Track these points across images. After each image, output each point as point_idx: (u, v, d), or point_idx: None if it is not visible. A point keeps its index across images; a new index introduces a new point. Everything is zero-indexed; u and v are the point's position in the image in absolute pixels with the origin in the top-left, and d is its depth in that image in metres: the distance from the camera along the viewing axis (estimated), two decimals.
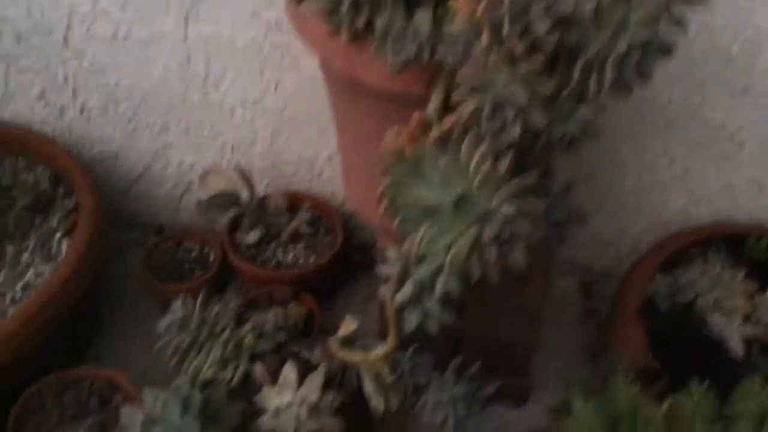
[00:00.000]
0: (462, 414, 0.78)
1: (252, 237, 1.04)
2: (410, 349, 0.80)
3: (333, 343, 0.81)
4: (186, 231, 1.11)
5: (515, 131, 0.51)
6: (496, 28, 0.50)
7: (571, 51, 0.51)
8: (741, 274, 0.92)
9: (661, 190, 1.02)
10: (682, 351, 0.86)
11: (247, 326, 0.84)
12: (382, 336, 0.78)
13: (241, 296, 0.96)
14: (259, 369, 0.81)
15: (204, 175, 1.02)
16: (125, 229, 1.15)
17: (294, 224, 1.04)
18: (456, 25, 0.52)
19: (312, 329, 0.95)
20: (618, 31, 0.50)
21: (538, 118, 0.51)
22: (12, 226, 0.97)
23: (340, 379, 0.82)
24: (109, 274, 1.09)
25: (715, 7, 0.82)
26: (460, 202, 0.52)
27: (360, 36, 0.60)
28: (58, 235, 0.96)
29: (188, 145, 1.06)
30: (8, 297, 0.90)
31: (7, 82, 1.03)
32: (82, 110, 1.05)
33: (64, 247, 0.95)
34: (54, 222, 0.98)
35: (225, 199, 1.01)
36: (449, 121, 0.54)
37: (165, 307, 0.82)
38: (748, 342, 0.86)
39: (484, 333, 0.88)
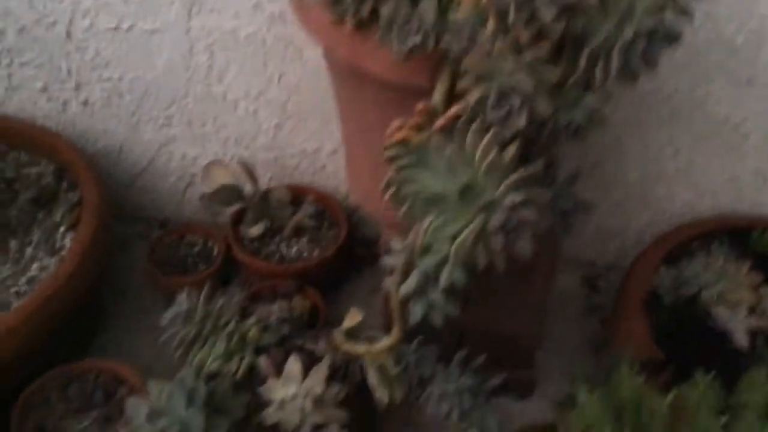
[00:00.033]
0: (467, 406, 0.78)
1: (255, 230, 1.04)
2: (415, 341, 0.80)
3: (337, 335, 0.81)
4: (189, 225, 1.11)
5: (521, 119, 0.51)
6: (501, 16, 0.50)
7: (577, 39, 0.50)
8: (745, 266, 0.91)
9: (666, 183, 1.02)
10: (687, 343, 0.86)
11: (252, 319, 0.84)
12: (387, 329, 0.78)
13: (245, 290, 0.96)
14: (263, 361, 0.81)
15: (207, 169, 1.02)
16: (129, 222, 1.15)
17: (297, 218, 1.04)
18: (461, 12, 0.52)
19: (316, 322, 0.95)
20: (624, 19, 0.50)
21: (544, 106, 0.51)
22: (16, 220, 0.97)
23: (345, 372, 0.82)
24: (113, 267, 1.09)
25: None
26: (466, 191, 0.52)
27: (364, 24, 0.59)
28: (62, 228, 0.96)
29: (191, 138, 1.06)
30: (13, 291, 0.90)
31: (10, 76, 1.03)
32: (85, 104, 1.04)
33: (68, 240, 0.95)
34: (58, 216, 0.98)
35: (228, 193, 1.01)
36: (455, 109, 0.54)
37: (169, 300, 0.82)
38: (753, 334, 0.86)
39: (488, 326, 0.88)
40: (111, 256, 1.06)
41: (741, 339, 0.86)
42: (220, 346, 0.80)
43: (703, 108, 0.93)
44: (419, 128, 0.56)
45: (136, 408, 0.73)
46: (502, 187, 0.51)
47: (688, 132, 0.96)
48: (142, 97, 1.03)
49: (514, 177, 0.52)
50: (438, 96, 0.56)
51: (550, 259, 0.81)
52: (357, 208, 1.11)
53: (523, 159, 0.55)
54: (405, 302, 0.69)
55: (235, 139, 1.06)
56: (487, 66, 0.51)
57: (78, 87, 1.03)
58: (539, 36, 0.50)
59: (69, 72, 1.02)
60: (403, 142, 0.56)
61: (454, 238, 0.55)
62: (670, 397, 0.70)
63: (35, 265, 0.93)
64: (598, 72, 0.51)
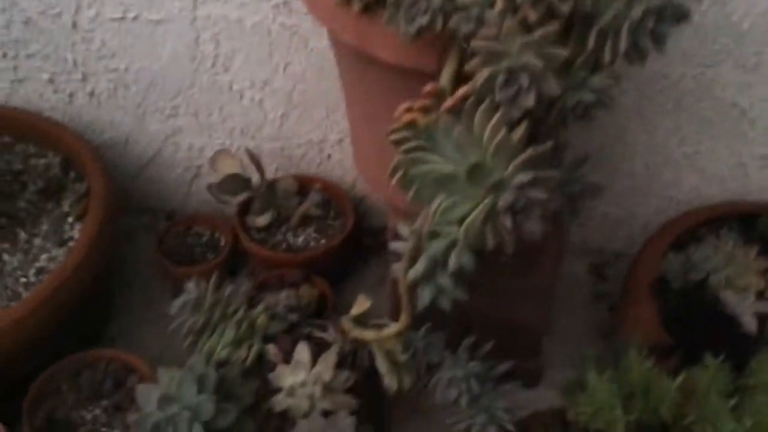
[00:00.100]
0: (476, 391, 0.78)
1: (262, 220, 1.04)
2: (423, 328, 0.80)
3: (346, 322, 0.81)
4: (196, 215, 1.11)
5: (529, 99, 0.51)
6: None
7: (585, 18, 0.50)
8: (753, 251, 0.91)
9: (673, 169, 1.01)
10: (695, 328, 0.86)
11: (260, 307, 0.84)
12: (395, 318, 0.78)
13: (253, 279, 0.96)
14: (272, 349, 0.82)
15: (214, 159, 1.02)
16: (136, 214, 1.15)
17: (304, 207, 1.04)
18: None
19: (324, 311, 0.95)
20: None
21: (552, 86, 0.51)
22: (24, 211, 0.98)
23: (353, 359, 0.82)
24: (121, 259, 1.09)
25: None
26: (474, 172, 0.52)
27: (371, 7, 0.59)
28: (70, 219, 0.97)
29: (198, 128, 1.06)
30: (22, 281, 0.91)
31: (16, 68, 1.04)
32: (91, 95, 1.05)
33: (76, 231, 0.95)
34: (66, 207, 0.98)
35: (235, 182, 1.01)
36: (462, 90, 0.54)
37: (177, 290, 0.82)
38: (761, 318, 0.86)
39: (496, 313, 0.88)
40: (118, 248, 1.07)
41: (749, 323, 0.86)
42: (229, 334, 0.80)
43: (710, 93, 0.93)
44: (427, 110, 0.56)
45: (147, 394, 0.73)
46: (510, 167, 0.51)
47: (695, 118, 0.96)
48: (148, 87, 1.03)
49: (522, 157, 0.51)
50: (446, 77, 0.56)
51: (557, 243, 0.81)
52: (363, 198, 1.11)
53: (531, 140, 0.55)
54: (413, 287, 0.69)
55: (241, 130, 1.06)
56: (496, 46, 0.51)
57: (84, 78, 1.03)
58: (548, 15, 0.50)
59: (75, 63, 1.02)
60: (411, 125, 0.56)
61: (463, 220, 0.55)
62: (679, 380, 0.70)
63: (44, 256, 0.93)
64: (607, 51, 0.51)
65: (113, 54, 1.00)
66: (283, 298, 0.88)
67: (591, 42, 0.50)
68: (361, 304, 0.81)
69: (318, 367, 0.79)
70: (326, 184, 1.08)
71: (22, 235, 0.96)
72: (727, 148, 0.98)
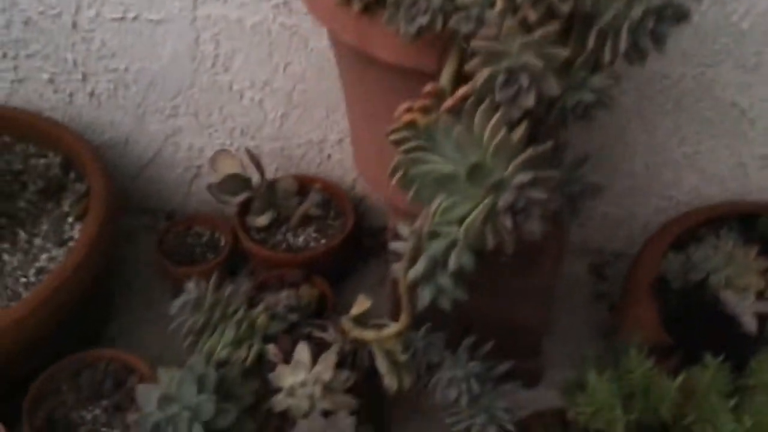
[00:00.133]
0: (476, 391, 0.78)
1: (262, 220, 1.04)
2: (423, 328, 0.80)
3: (346, 321, 0.81)
4: (196, 215, 1.11)
5: (529, 99, 0.51)
6: None
7: (585, 18, 0.50)
8: (753, 251, 0.91)
9: (673, 169, 1.01)
10: (695, 328, 0.86)
11: (260, 307, 0.84)
12: (394, 318, 0.78)
13: (253, 279, 0.96)
14: (272, 349, 0.82)
15: (214, 159, 1.02)
16: (135, 214, 1.15)
17: (304, 207, 1.04)
18: None
19: (324, 311, 0.95)
20: None
21: (552, 86, 0.51)
22: (24, 211, 0.98)
23: (353, 359, 0.82)
24: (120, 259, 1.09)
25: None
26: (474, 171, 0.52)
27: (371, 7, 0.59)
28: (70, 219, 0.97)
29: (198, 128, 1.06)
30: (22, 281, 0.91)
31: (16, 68, 1.04)
32: (91, 95, 1.05)
33: (76, 231, 0.95)
34: (66, 207, 0.98)
35: (236, 182, 1.01)
36: (462, 90, 0.54)
37: (177, 291, 0.82)
38: (761, 318, 0.86)
39: (496, 313, 0.88)
40: (118, 248, 1.07)
41: (749, 323, 0.86)
42: (229, 334, 0.80)
43: (710, 93, 0.93)
44: (427, 110, 0.56)
45: (147, 394, 0.73)
46: (510, 167, 0.51)
47: (695, 118, 0.96)
48: (148, 87, 1.03)
49: (522, 157, 0.52)
50: (446, 77, 0.56)
51: (557, 243, 0.81)
52: (363, 198, 1.11)
53: (531, 140, 0.55)
54: (413, 287, 0.69)
55: (241, 130, 1.06)
56: (496, 46, 0.51)
57: (84, 78, 1.03)
58: (548, 15, 0.50)
59: (75, 63, 1.02)
60: (411, 125, 0.56)
61: (463, 220, 0.55)
62: (679, 379, 0.70)
63: (44, 256, 0.93)
64: (607, 51, 0.51)
65: (113, 54, 1.00)
66: (283, 298, 0.88)
67: (591, 42, 0.50)
68: (361, 304, 0.81)
69: (318, 367, 0.79)
70: (326, 184, 1.08)
71: (22, 235, 0.96)
72: (727, 148, 0.98)
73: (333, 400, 0.79)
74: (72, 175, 1.01)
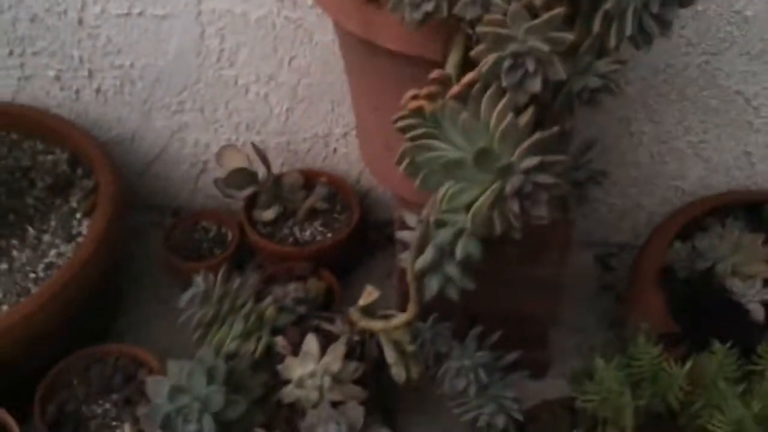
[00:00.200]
0: (484, 381, 0.78)
1: (269, 214, 1.04)
2: (430, 318, 0.80)
3: (354, 312, 0.81)
4: (203, 211, 1.12)
5: (536, 84, 0.51)
6: None
7: (591, 1, 0.51)
8: (760, 239, 0.91)
9: (678, 159, 1.02)
10: (702, 317, 0.86)
11: (268, 299, 0.84)
12: (402, 311, 0.78)
13: (261, 272, 0.96)
14: (281, 341, 0.82)
15: (220, 154, 1.03)
16: (142, 211, 1.15)
17: (310, 201, 1.05)
18: None
19: (331, 304, 0.95)
20: None
21: (558, 71, 0.51)
22: (33, 207, 0.98)
23: (361, 350, 0.83)
24: (128, 255, 1.10)
25: None
26: (482, 157, 0.52)
27: None
28: (78, 215, 0.97)
29: (203, 124, 1.07)
30: (31, 277, 0.91)
31: (23, 65, 1.04)
32: (98, 91, 1.05)
33: (84, 227, 0.96)
34: (74, 203, 0.98)
35: (242, 176, 1.01)
36: (469, 76, 0.54)
37: (185, 286, 0.82)
38: None
39: (503, 305, 0.88)
40: (126, 244, 1.07)
41: (756, 311, 0.86)
42: (238, 327, 0.81)
43: (715, 82, 0.93)
44: (433, 97, 0.56)
45: (157, 386, 0.73)
46: (517, 152, 0.52)
47: (700, 107, 0.96)
48: (154, 83, 1.03)
49: (529, 141, 0.52)
50: (452, 64, 0.56)
51: (564, 232, 0.81)
52: (369, 191, 1.11)
53: (537, 126, 0.55)
54: (421, 277, 0.70)
55: (247, 125, 1.06)
56: (501, 31, 0.51)
57: (90, 75, 1.04)
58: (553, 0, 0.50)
59: (81, 60, 1.02)
60: (418, 112, 0.57)
61: (470, 206, 0.55)
62: (687, 366, 0.70)
63: (52, 252, 0.94)
64: (612, 35, 0.51)
65: (119, 50, 1.01)
66: (291, 290, 0.88)
67: (596, 26, 0.51)
68: (369, 294, 0.81)
69: (326, 359, 0.79)
70: (332, 177, 1.08)
71: (31, 232, 0.96)
72: (732, 137, 0.98)
73: (342, 391, 0.79)
74: (79, 171, 1.01)
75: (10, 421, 0.81)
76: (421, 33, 0.58)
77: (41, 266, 0.92)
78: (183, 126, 1.07)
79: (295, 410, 0.79)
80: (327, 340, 0.82)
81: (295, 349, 0.81)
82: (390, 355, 0.79)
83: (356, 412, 0.76)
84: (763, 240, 0.91)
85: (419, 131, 0.56)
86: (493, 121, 0.52)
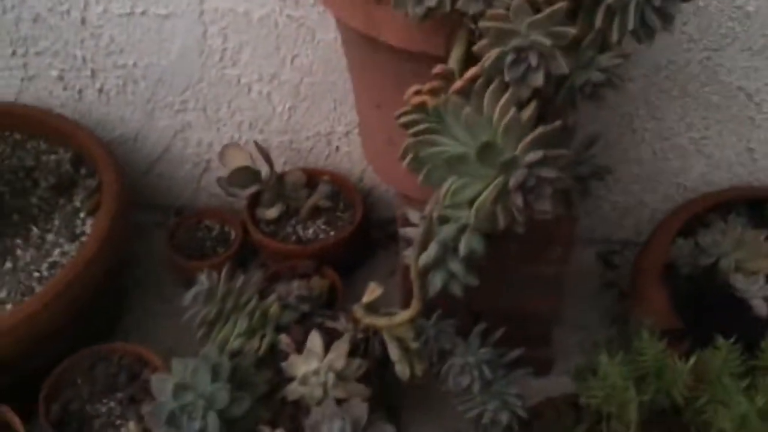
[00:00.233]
0: (488, 378, 0.78)
1: (272, 213, 1.04)
2: (434, 315, 0.80)
3: (357, 309, 0.81)
4: (206, 210, 1.12)
5: (538, 78, 0.51)
6: None
7: None
8: (763, 235, 0.92)
9: (680, 155, 1.02)
10: (706, 312, 0.86)
11: (272, 297, 0.85)
12: (405, 308, 0.78)
13: (264, 271, 0.97)
14: (284, 339, 0.82)
15: (223, 152, 1.03)
16: (145, 210, 1.15)
17: (313, 199, 1.05)
18: None
19: (335, 301, 0.95)
20: None
21: (561, 65, 0.51)
22: (36, 207, 0.98)
23: (365, 347, 0.83)
24: (133, 254, 1.10)
25: None
26: (485, 151, 0.52)
27: None
28: (82, 214, 0.97)
29: (206, 123, 1.07)
30: (35, 276, 0.91)
31: (26, 65, 1.04)
32: (100, 91, 1.05)
33: (88, 226, 0.96)
34: (78, 202, 0.99)
35: (245, 175, 1.01)
36: (472, 71, 0.54)
37: (189, 285, 0.82)
38: None
39: (505, 303, 0.88)
40: (130, 244, 1.07)
41: (760, 306, 0.86)
42: (242, 324, 0.81)
43: (716, 78, 0.93)
44: (436, 92, 0.56)
45: (162, 384, 0.73)
46: (520, 146, 0.52)
47: (702, 103, 0.96)
48: (157, 83, 1.03)
49: (532, 135, 0.52)
50: (454, 58, 0.56)
51: (567, 229, 0.81)
52: (372, 190, 1.11)
53: (540, 120, 0.55)
54: (424, 273, 0.70)
55: (250, 123, 1.06)
56: (504, 25, 0.51)
57: (93, 74, 1.04)
58: None
59: (84, 60, 1.02)
60: (421, 107, 0.57)
61: (474, 200, 0.55)
62: (691, 361, 0.70)
63: (56, 251, 0.94)
64: (615, 29, 0.51)
65: (122, 50, 1.01)
66: (295, 288, 0.89)
67: (599, 20, 0.51)
68: (372, 291, 0.82)
69: (330, 356, 0.80)
70: (335, 176, 1.08)
71: (35, 231, 0.96)
72: (735, 133, 0.98)
73: (346, 388, 0.79)
74: (83, 170, 1.02)
75: (15, 420, 0.82)
76: (424, 28, 0.58)
77: (45, 265, 0.93)
78: (186, 125, 1.07)
79: (300, 407, 0.79)
80: (331, 338, 0.82)
81: (299, 347, 0.82)
82: (394, 352, 0.80)
83: (360, 409, 0.76)
84: (766, 236, 0.91)
85: (422, 126, 0.56)
86: (496, 116, 0.52)
